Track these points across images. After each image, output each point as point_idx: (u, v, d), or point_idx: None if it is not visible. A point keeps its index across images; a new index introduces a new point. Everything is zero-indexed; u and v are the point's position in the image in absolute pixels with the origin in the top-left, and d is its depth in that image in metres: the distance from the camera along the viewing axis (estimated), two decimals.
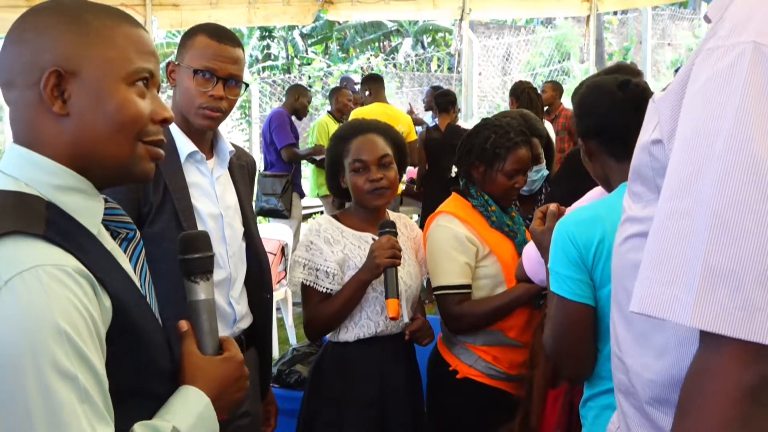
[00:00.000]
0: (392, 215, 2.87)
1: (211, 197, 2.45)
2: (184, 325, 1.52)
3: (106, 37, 1.33)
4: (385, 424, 2.70)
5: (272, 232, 6.37)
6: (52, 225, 1.23)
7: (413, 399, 2.81)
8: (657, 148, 1.24)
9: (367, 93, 7.66)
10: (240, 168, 2.61)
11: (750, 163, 0.98)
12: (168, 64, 2.42)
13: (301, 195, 7.93)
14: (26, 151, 1.29)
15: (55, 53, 1.28)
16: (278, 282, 5.91)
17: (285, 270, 6.17)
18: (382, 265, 2.54)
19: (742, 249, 0.97)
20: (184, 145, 2.40)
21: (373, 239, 2.72)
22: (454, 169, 6.99)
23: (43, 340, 1.11)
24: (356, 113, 7.31)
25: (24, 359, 1.10)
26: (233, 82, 2.40)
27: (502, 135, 2.81)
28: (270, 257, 4.54)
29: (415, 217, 7.90)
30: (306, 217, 9.92)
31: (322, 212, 9.91)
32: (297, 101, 7.92)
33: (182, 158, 2.40)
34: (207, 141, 2.49)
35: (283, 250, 6.10)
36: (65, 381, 1.12)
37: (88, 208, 1.33)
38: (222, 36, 2.42)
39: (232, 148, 2.56)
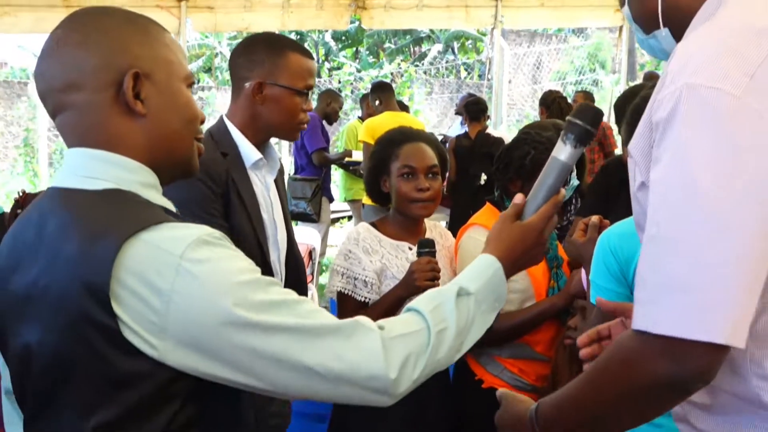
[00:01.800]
0: (428, 224, 2.88)
1: (268, 204, 2.52)
2: (520, 197, 1.63)
3: (162, 41, 1.39)
4: (419, 421, 2.71)
5: (300, 236, 6.38)
6: (167, 211, 1.33)
7: (446, 401, 2.81)
8: (641, 193, 1.35)
9: (377, 102, 7.59)
10: (279, 174, 2.66)
11: (685, 185, 1.14)
12: (253, 85, 2.41)
13: (330, 199, 7.94)
14: (103, 152, 1.32)
15: (130, 55, 1.33)
16: None
17: (312, 274, 6.21)
18: (421, 287, 2.49)
19: (685, 257, 1.13)
20: (250, 152, 2.45)
21: (410, 248, 2.74)
22: (483, 177, 7.06)
23: (238, 291, 1.21)
24: (368, 124, 7.28)
25: (235, 311, 1.20)
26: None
27: (543, 152, 2.70)
28: None
29: (443, 223, 7.92)
30: (334, 221, 9.96)
31: (350, 217, 9.95)
32: (329, 106, 7.93)
33: (248, 164, 2.45)
34: (263, 149, 2.53)
35: (310, 254, 6.14)
36: (276, 309, 1.24)
37: (163, 202, 1.39)
38: (308, 52, 2.51)
39: (280, 155, 2.60)
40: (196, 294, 1.19)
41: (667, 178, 1.17)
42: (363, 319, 1.32)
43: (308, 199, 7.31)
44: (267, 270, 2.38)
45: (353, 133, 8.31)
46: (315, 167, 7.66)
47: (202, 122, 1.48)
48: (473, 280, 1.48)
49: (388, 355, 1.27)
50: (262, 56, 2.44)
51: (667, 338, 1.13)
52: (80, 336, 1.20)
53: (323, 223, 7.62)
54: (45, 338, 1.23)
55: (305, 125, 2.50)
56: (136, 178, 1.34)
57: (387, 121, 7.14)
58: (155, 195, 1.37)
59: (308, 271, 6.09)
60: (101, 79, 1.31)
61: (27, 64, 20.91)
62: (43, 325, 1.23)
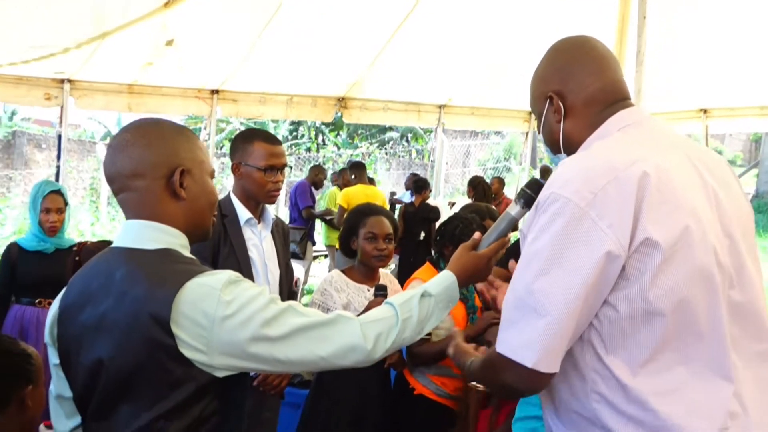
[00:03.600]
0: (382, 273, 2.93)
1: (260, 251, 2.53)
2: (478, 234, 1.68)
3: (199, 146, 1.43)
4: (361, 420, 2.74)
5: None
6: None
7: (385, 405, 2.83)
8: None
9: (353, 177, 7.76)
10: (278, 231, 2.68)
11: (532, 255, 1.26)
12: (232, 165, 2.51)
13: (313, 243, 8.02)
14: (156, 223, 1.36)
15: (179, 156, 1.38)
16: None
17: (297, 297, 6.18)
18: None
19: (519, 304, 1.26)
20: (243, 213, 2.50)
21: (368, 290, 2.78)
22: (422, 234, 7.12)
23: (259, 313, 1.28)
24: (345, 192, 7.39)
25: (261, 330, 1.27)
26: (284, 167, 2.52)
27: (467, 225, 2.89)
28: None
29: (392, 266, 7.95)
30: (315, 257, 9.96)
31: (326, 256, 9.99)
32: (316, 176, 8.14)
33: (241, 222, 2.48)
34: (258, 211, 2.56)
35: (296, 282, 6.12)
36: (286, 314, 1.31)
37: (193, 257, 1.42)
38: (272, 139, 2.52)
39: (274, 216, 2.64)
40: (231, 316, 1.25)
41: (526, 248, 1.28)
42: (343, 312, 1.40)
43: (297, 242, 7.36)
44: None
45: (333, 197, 8.39)
46: (304, 220, 7.73)
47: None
48: (435, 287, 1.54)
49: (365, 333, 1.36)
50: (239, 144, 2.51)
51: (505, 356, 1.25)
52: (147, 352, 1.24)
53: (307, 260, 7.66)
54: (116, 354, 1.26)
55: (276, 192, 2.51)
56: (178, 242, 1.38)
57: (359, 191, 7.22)
58: (187, 252, 1.40)
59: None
60: (158, 171, 1.35)
61: (95, 129, 20.89)
62: (114, 345, 1.26)
